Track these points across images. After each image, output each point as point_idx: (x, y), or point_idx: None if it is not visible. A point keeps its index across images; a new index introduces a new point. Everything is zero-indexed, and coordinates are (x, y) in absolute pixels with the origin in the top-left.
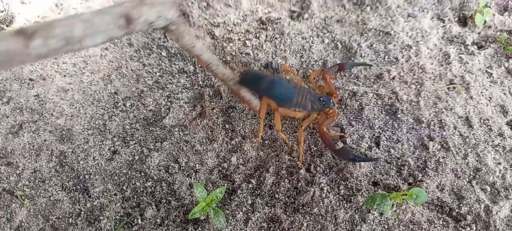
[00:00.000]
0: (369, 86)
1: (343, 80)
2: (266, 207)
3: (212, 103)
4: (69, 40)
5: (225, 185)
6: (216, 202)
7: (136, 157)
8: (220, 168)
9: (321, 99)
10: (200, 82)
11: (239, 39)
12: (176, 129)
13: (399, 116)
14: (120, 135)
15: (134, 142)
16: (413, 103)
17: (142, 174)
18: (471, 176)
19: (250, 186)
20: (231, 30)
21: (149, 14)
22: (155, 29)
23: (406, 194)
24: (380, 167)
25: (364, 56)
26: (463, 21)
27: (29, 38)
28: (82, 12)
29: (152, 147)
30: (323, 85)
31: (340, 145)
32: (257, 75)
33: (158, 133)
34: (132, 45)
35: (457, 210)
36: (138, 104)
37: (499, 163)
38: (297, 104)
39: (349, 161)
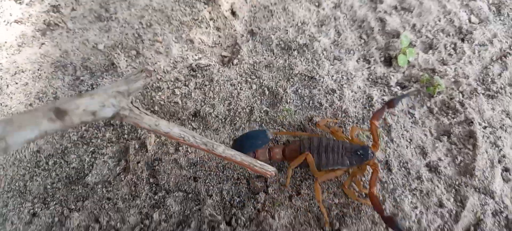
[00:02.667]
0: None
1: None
2: None
3: (137, 157)
4: None
5: None
6: None
7: (56, 219)
8: (142, 225)
9: (359, 152)
10: (126, 136)
11: (168, 88)
12: (99, 186)
13: None
14: (41, 196)
15: (55, 202)
16: None
17: None
18: None
19: None
20: (161, 78)
21: (89, 104)
22: (106, 119)
23: None
24: (299, 218)
25: (289, 102)
26: (389, 61)
27: None
28: None
29: (73, 207)
30: (357, 138)
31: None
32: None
33: (80, 191)
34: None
35: None
36: (61, 162)
37: (416, 207)
38: (333, 163)
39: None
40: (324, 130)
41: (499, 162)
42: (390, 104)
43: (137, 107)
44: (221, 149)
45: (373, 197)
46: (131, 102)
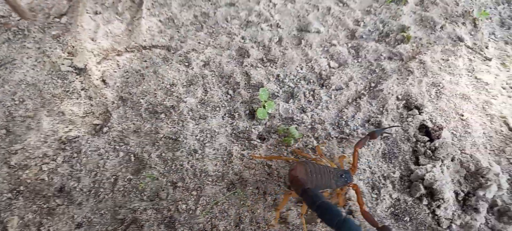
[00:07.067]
0: (152, 201)
1: None
2: None
3: None
4: None
5: None
6: None
7: None
8: None
9: (342, 175)
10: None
11: (36, 165)
12: None
13: (176, 227)
14: None
15: None
16: (191, 211)
17: None
18: None
19: None
20: (29, 155)
21: None
22: None
23: None
24: None
25: (153, 166)
26: (252, 114)
27: None
28: None
29: None
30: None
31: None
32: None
33: None
34: None
35: None
36: None
37: None
38: (325, 186)
39: None
40: (307, 156)
41: None
42: (372, 135)
43: None
44: None
45: (366, 213)
46: None
